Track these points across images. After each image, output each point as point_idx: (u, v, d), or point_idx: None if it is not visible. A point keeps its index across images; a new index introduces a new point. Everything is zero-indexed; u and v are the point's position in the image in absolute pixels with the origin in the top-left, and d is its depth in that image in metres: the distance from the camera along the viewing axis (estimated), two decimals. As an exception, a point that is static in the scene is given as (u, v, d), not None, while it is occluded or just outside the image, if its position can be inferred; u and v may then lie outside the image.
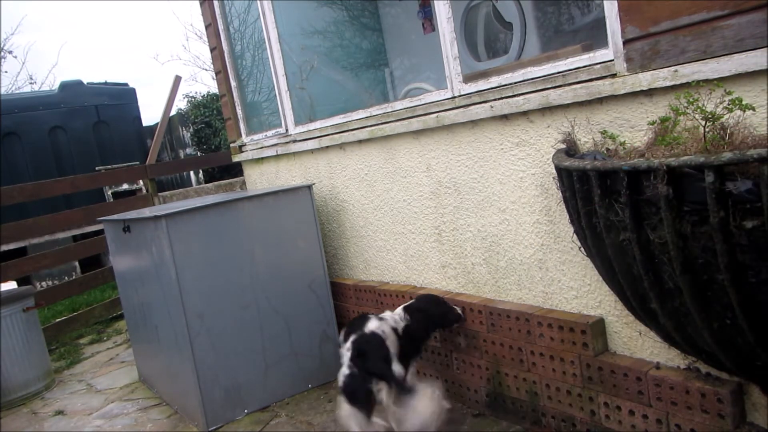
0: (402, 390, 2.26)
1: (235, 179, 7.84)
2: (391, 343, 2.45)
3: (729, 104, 1.55)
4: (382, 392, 2.28)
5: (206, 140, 11.03)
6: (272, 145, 4.14)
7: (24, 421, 3.77)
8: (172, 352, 3.24)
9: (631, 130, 1.99)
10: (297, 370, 3.35)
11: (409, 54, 4.74)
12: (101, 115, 9.42)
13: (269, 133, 4.18)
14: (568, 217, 1.98)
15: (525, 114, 2.35)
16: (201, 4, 4.53)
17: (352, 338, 2.45)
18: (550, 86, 2.24)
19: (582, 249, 2.06)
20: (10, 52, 16.43)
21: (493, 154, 2.54)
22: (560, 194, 1.96)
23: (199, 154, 10.97)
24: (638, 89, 1.91)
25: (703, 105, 1.58)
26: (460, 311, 2.73)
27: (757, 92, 1.65)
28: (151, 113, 31.92)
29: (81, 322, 5.64)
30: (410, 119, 2.91)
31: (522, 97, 2.32)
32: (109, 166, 8.24)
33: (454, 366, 2.90)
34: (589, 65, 2.11)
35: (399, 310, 2.69)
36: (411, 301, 2.77)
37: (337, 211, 3.68)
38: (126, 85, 10.33)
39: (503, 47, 4.01)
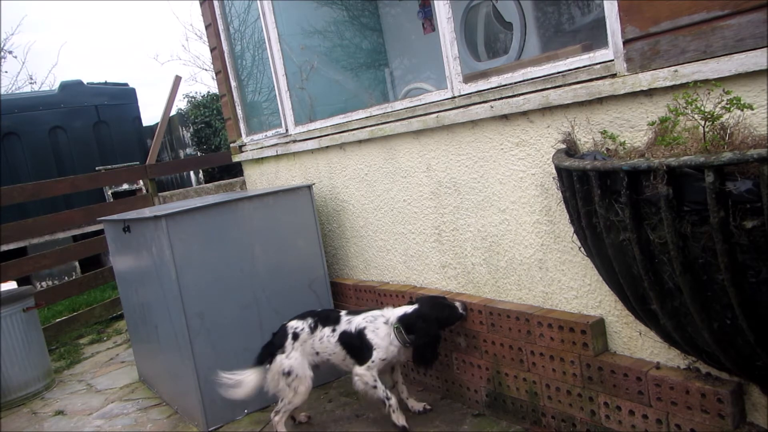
0: None
1: (235, 179, 7.86)
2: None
3: (727, 104, 1.55)
4: None
5: (206, 140, 11.03)
6: (272, 145, 4.14)
7: (24, 421, 3.77)
8: (172, 352, 3.23)
9: (631, 130, 1.99)
10: (297, 370, 3.35)
11: (409, 54, 4.74)
12: (101, 115, 9.41)
13: (269, 133, 4.18)
14: (568, 217, 1.98)
15: (525, 114, 2.35)
16: (201, 4, 4.53)
17: None
18: (550, 86, 2.24)
19: (582, 249, 2.06)
20: (10, 52, 16.42)
21: (493, 154, 2.54)
22: (560, 194, 1.96)
23: (199, 154, 10.97)
24: (638, 89, 1.91)
25: (703, 105, 1.58)
26: (461, 309, 2.72)
27: (757, 92, 1.65)
28: (151, 113, 31.92)
29: (81, 322, 5.64)
30: (410, 119, 2.91)
31: (522, 97, 2.32)
32: (109, 166, 8.24)
33: (454, 366, 2.90)
34: (589, 65, 2.11)
35: (394, 319, 2.70)
36: (410, 309, 2.72)
37: (337, 211, 3.68)
38: (126, 85, 10.33)
39: (503, 47, 4.01)
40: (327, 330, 2.76)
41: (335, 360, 2.77)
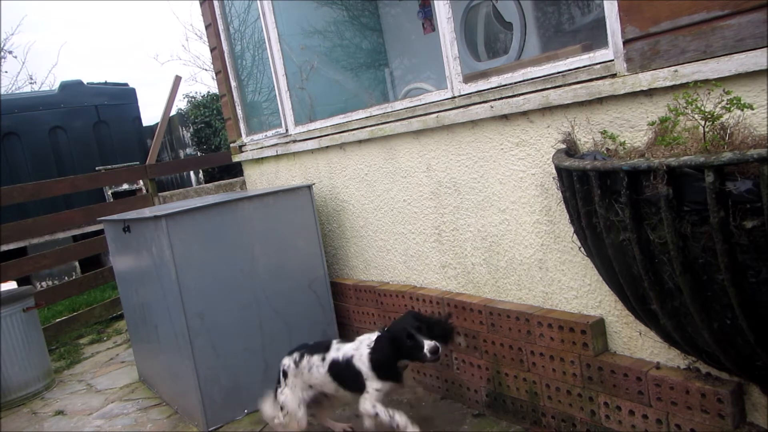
0: None
1: (235, 179, 7.86)
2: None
3: (727, 104, 1.55)
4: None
5: (206, 140, 11.04)
6: (272, 145, 4.14)
7: (24, 421, 3.77)
8: (172, 352, 3.24)
9: (631, 130, 1.99)
10: (297, 370, 3.35)
11: (409, 54, 4.74)
12: (101, 115, 9.42)
13: (269, 133, 4.18)
14: (568, 217, 1.98)
15: (525, 114, 2.35)
16: (201, 4, 4.53)
17: None
18: (550, 86, 2.24)
19: (582, 249, 2.06)
20: (10, 52, 16.43)
21: (493, 154, 2.54)
22: (560, 194, 1.96)
23: (199, 154, 10.98)
24: (638, 89, 1.91)
25: (703, 105, 1.58)
26: (428, 350, 2.25)
27: (757, 92, 1.65)
28: (151, 113, 31.94)
29: (81, 322, 5.64)
30: (410, 119, 2.91)
31: (522, 97, 2.32)
32: (109, 166, 8.24)
33: (454, 366, 2.90)
34: (589, 65, 2.11)
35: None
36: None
37: (337, 211, 3.68)
38: (126, 85, 10.34)
39: (503, 47, 4.01)
40: (316, 358, 2.61)
41: (328, 390, 2.62)
